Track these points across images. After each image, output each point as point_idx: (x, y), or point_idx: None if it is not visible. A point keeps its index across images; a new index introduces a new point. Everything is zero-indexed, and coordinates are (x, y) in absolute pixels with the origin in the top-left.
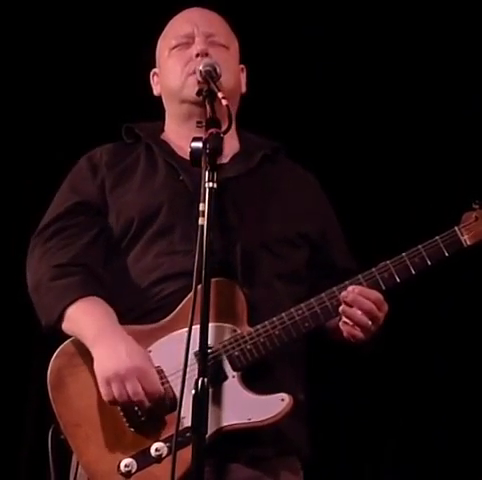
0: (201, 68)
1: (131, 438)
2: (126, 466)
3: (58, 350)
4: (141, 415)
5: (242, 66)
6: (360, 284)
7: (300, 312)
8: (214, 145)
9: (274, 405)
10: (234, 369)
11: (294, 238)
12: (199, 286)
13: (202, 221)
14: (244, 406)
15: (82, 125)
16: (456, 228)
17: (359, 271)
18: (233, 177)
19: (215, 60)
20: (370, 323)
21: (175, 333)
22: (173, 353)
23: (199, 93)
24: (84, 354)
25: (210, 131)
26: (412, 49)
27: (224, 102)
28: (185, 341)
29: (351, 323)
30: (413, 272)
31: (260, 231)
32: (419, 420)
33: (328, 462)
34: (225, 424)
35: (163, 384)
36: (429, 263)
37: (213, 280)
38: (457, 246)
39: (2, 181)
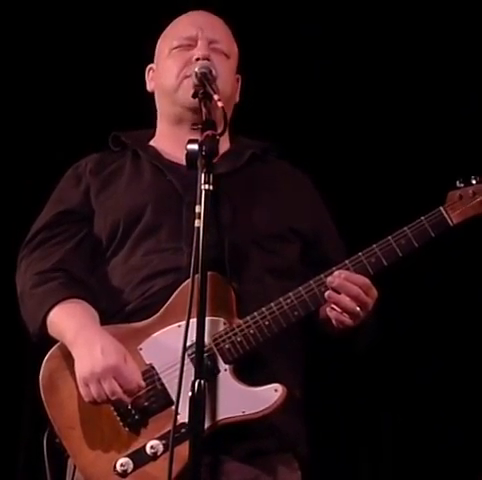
0: (197, 70)
1: (126, 437)
2: (122, 465)
3: (48, 354)
4: (134, 413)
5: (238, 76)
6: (348, 270)
7: (288, 301)
8: (210, 147)
9: (268, 396)
10: (226, 362)
11: (285, 233)
12: (188, 280)
13: (198, 223)
14: (237, 399)
15: (82, 125)
16: (441, 208)
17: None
18: (222, 174)
19: (212, 64)
20: (358, 309)
21: (165, 329)
22: (164, 349)
23: (195, 95)
24: (72, 356)
25: (206, 133)
26: (409, 48)
27: (220, 104)
28: (175, 336)
29: (339, 310)
30: (400, 254)
31: (250, 227)
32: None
33: (327, 462)
34: (219, 418)
35: (155, 381)
36: (416, 245)
37: (196, 276)
38: (443, 226)
39: (2, 181)
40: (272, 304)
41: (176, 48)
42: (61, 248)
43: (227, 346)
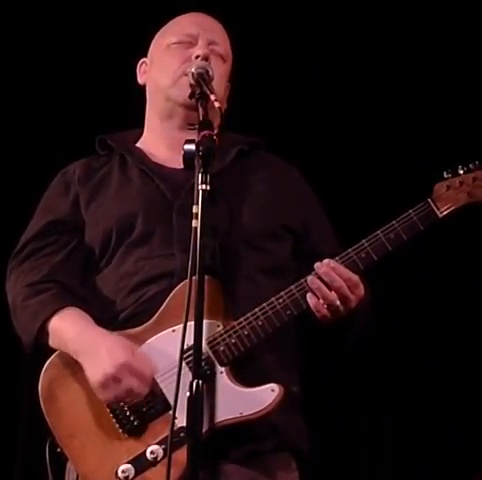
0: (193, 70)
1: (126, 443)
2: (123, 472)
3: (47, 363)
4: (133, 419)
5: (228, 84)
6: None
7: (281, 300)
8: (207, 147)
9: (265, 396)
10: (221, 364)
11: (277, 231)
12: (181, 284)
13: (195, 223)
14: (234, 401)
15: (82, 125)
16: (429, 199)
17: None
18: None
19: (209, 65)
20: (338, 302)
21: (160, 334)
22: (160, 354)
23: (191, 96)
24: (72, 364)
25: (203, 133)
26: (407, 48)
27: (216, 104)
28: (170, 342)
29: (320, 300)
30: (390, 249)
31: (240, 227)
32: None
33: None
34: (217, 421)
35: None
36: (405, 238)
37: (193, 278)
38: (431, 217)
39: (2, 181)
40: (265, 304)
41: (175, 44)
42: (51, 259)
43: (222, 348)
